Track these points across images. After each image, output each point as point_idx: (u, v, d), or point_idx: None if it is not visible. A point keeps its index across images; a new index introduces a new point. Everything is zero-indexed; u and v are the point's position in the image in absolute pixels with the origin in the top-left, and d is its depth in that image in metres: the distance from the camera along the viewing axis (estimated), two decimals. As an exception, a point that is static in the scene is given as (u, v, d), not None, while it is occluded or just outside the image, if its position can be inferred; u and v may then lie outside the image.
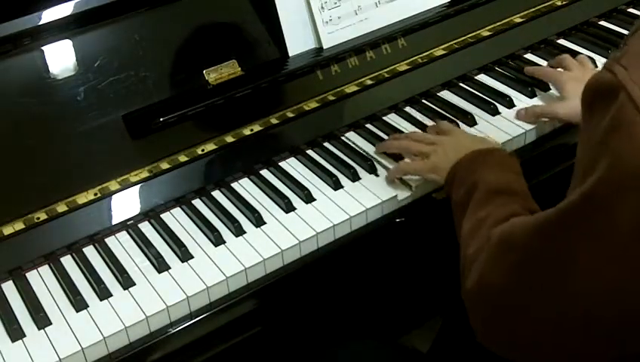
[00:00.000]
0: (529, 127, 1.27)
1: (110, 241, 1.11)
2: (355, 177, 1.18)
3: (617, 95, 0.66)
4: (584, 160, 0.71)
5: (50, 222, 1.09)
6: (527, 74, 1.37)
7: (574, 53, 1.45)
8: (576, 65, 1.32)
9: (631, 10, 1.59)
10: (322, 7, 1.27)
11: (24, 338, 0.97)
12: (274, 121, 1.24)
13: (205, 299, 1.02)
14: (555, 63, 1.37)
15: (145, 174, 1.15)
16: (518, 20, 1.48)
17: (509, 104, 1.33)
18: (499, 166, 1.01)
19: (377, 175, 1.19)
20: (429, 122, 1.29)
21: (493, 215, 0.90)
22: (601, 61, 1.43)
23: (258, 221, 1.11)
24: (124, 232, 1.12)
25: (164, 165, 1.16)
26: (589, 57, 1.43)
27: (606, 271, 0.68)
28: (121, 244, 1.10)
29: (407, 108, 1.34)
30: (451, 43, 1.40)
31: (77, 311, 1.00)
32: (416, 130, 1.28)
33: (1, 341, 0.97)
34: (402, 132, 1.27)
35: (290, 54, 1.26)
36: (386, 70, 1.33)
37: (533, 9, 1.49)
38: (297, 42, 1.27)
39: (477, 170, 1.01)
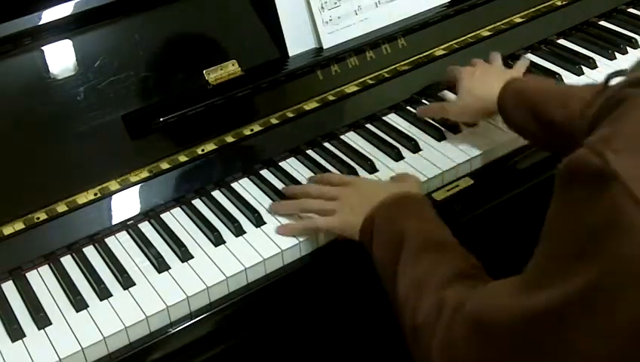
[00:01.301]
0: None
1: (110, 241, 1.11)
2: (355, 177, 1.18)
3: (608, 184, 0.60)
4: (569, 239, 0.65)
5: (50, 222, 1.09)
6: (445, 83, 1.33)
7: (574, 53, 1.46)
8: (480, 61, 1.29)
9: (631, 10, 1.59)
10: (322, 7, 1.27)
11: (24, 338, 0.97)
12: (274, 121, 1.24)
13: (205, 299, 1.02)
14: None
15: (145, 174, 1.15)
16: (518, 20, 1.48)
17: (509, 104, 1.33)
18: (418, 213, 0.96)
19: (377, 175, 1.19)
20: (429, 122, 1.29)
21: (435, 274, 0.85)
22: (601, 61, 1.43)
23: (258, 221, 1.11)
24: (124, 232, 1.12)
25: (164, 165, 1.16)
26: (589, 57, 1.43)
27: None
28: (121, 244, 1.10)
29: (408, 108, 1.34)
30: (451, 43, 1.40)
31: (77, 311, 1.00)
32: (418, 130, 1.28)
33: (1, 341, 0.97)
34: (402, 132, 1.27)
35: (290, 54, 1.26)
36: (386, 70, 1.33)
37: (533, 9, 1.49)
38: (297, 42, 1.27)
39: (396, 220, 0.94)
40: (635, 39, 1.49)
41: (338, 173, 1.19)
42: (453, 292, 0.81)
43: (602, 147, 0.61)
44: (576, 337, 0.64)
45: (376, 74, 1.33)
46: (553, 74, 1.39)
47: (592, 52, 1.46)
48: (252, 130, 1.22)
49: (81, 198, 1.10)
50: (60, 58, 1.11)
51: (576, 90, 1.10)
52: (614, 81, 0.70)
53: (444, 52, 1.39)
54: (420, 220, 0.94)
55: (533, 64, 1.44)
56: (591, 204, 0.61)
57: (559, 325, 0.65)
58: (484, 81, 1.21)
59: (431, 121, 1.29)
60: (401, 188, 1.04)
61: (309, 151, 1.25)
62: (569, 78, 1.39)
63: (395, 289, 0.88)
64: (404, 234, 0.91)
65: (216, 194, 1.18)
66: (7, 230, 1.06)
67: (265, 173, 1.21)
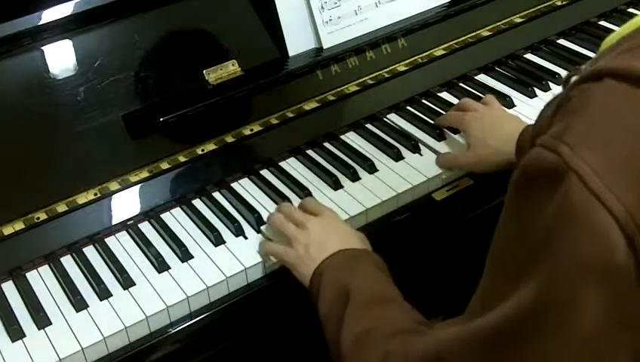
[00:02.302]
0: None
1: (110, 241, 1.11)
2: (354, 177, 1.18)
3: (563, 178, 0.57)
4: (518, 253, 0.62)
5: (50, 222, 1.08)
6: (437, 125, 1.27)
7: (574, 53, 1.46)
8: (480, 105, 1.24)
9: (631, 10, 1.60)
10: (322, 7, 1.27)
11: (24, 338, 0.97)
12: (274, 121, 1.24)
13: (205, 298, 1.02)
14: (459, 108, 1.27)
15: (145, 174, 1.15)
16: (518, 20, 1.48)
17: (509, 104, 1.33)
18: (365, 270, 0.94)
19: (377, 175, 1.19)
20: (429, 122, 1.29)
21: (379, 329, 0.84)
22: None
23: (258, 221, 1.11)
24: (124, 232, 1.12)
25: (164, 165, 1.16)
26: (589, 58, 1.43)
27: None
28: (121, 244, 1.10)
29: (408, 108, 1.34)
30: (451, 43, 1.40)
31: (77, 311, 1.00)
32: (417, 130, 1.28)
33: (1, 341, 0.97)
34: (401, 132, 1.27)
35: (290, 54, 1.26)
36: (386, 70, 1.33)
37: (533, 9, 1.49)
38: (297, 42, 1.27)
39: (344, 278, 0.93)
40: (635, 39, 1.49)
41: (313, 199, 1.13)
42: (398, 344, 0.79)
43: (556, 143, 0.59)
44: (540, 348, 0.61)
45: (376, 74, 1.33)
46: (554, 74, 1.39)
47: (593, 52, 1.46)
48: (252, 130, 1.22)
49: (81, 198, 1.10)
50: (60, 58, 1.11)
51: None
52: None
53: (444, 52, 1.39)
54: (366, 278, 0.93)
55: (533, 64, 1.44)
56: (545, 204, 0.59)
57: (520, 335, 0.62)
58: (498, 130, 1.16)
59: (431, 121, 1.29)
60: (352, 240, 1.01)
61: (309, 151, 1.25)
62: (569, 78, 1.39)
63: (339, 344, 0.87)
64: (350, 291, 0.90)
65: (216, 194, 1.18)
66: (7, 230, 1.06)
67: (265, 173, 1.21)
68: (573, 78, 0.66)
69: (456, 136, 1.25)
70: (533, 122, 1.14)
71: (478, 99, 1.34)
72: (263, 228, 1.10)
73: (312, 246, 0.99)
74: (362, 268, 0.95)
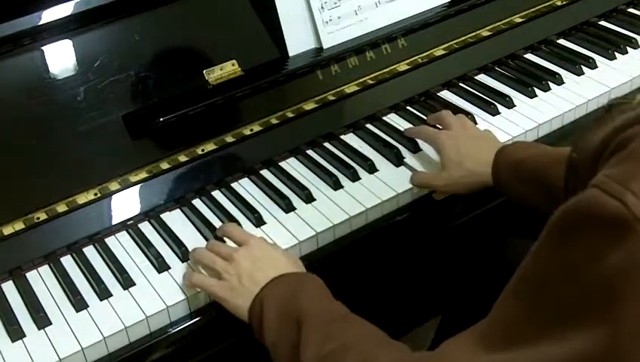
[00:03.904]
0: (530, 125, 1.27)
1: (110, 241, 1.11)
2: (355, 177, 1.18)
3: (630, 231, 0.54)
4: (564, 296, 0.59)
5: (50, 222, 1.08)
6: (408, 135, 1.25)
7: (574, 53, 1.46)
8: (455, 122, 1.20)
9: (631, 10, 1.60)
10: (322, 7, 1.27)
11: (24, 338, 0.97)
12: (274, 121, 1.24)
13: (206, 298, 1.02)
14: (434, 120, 1.25)
15: (145, 174, 1.15)
16: (518, 20, 1.48)
17: (510, 104, 1.33)
18: (312, 291, 0.91)
19: (377, 175, 1.19)
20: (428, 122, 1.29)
21: (351, 345, 0.79)
22: (601, 61, 1.43)
23: (258, 221, 1.11)
24: (124, 232, 1.12)
25: (164, 165, 1.16)
26: (589, 57, 1.43)
27: None
28: (121, 244, 1.10)
29: (408, 108, 1.34)
30: (451, 43, 1.40)
31: (77, 311, 1.00)
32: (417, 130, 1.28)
33: (1, 341, 0.97)
34: (402, 132, 1.27)
35: (290, 54, 1.26)
36: (386, 70, 1.33)
37: (533, 9, 1.49)
38: (297, 42, 1.27)
39: (290, 300, 0.89)
40: (635, 39, 1.49)
41: (243, 225, 1.11)
42: (384, 358, 0.76)
43: (621, 190, 0.54)
44: None
45: (376, 74, 1.33)
46: (554, 74, 1.39)
47: (592, 52, 1.46)
48: (252, 130, 1.22)
49: (81, 198, 1.10)
50: (60, 58, 1.11)
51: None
52: (619, 111, 0.64)
53: (444, 52, 1.39)
54: (313, 298, 0.89)
55: (533, 64, 1.44)
56: (604, 253, 0.55)
57: None
58: (472, 151, 1.13)
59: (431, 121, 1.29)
60: (284, 266, 0.97)
61: (309, 151, 1.25)
62: (569, 77, 1.39)
63: None
64: (302, 312, 0.86)
65: (216, 194, 1.18)
66: (7, 230, 1.06)
67: (265, 173, 1.21)
68: (622, 114, 0.61)
69: None
70: (507, 146, 1.12)
71: (478, 99, 1.34)
72: (187, 263, 1.06)
73: (244, 277, 0.95)
74: (305, 289, 0.91)
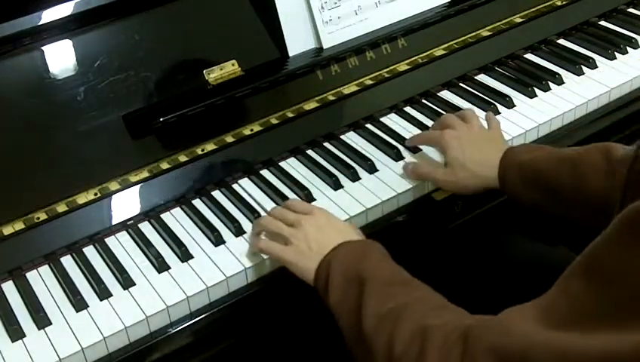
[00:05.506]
0: (530, 125, 1.27)
1: (110, 241, 1.11)
2: (355, 177, 1.18)
3: None
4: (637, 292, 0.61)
5: (50, 222, 1.08)
6: (410, 145, 1.24)
7: (574, 53, 1.46)
8: (459, 123, 1.18)
9: (631, 10, 1.60)
10: (322, 7, 1.27)
11: (24, 338, 0.97)
12: (274, 121, 1.24)
13: (205, 298, 1.02)
14: (438, 126, 1.22)
15: (145, 174, 1.15)
16: (518, 20, 1.48)
17: (509, 104, 1.33)
18: (377, 256, 0.95)
19: (377, 175, 1.19)
20: (429, 122, 1.29)
21: (409, 305, 0.83)
22: (601, 61, 1.43)
23: (258, 221, 1.11)
24: (124, 232, 1.12)
25: (164, 165, 1.16)
26: (589, 57, 1.43)
27: None
28: (121, 244, 1.10)
29: (407, 108, 1.34)
30: (451, 43, 1.40)
31: (77, 311, 1.00)
32: (418, 130, 1.28)
33: (1, 341, 0.97)
34: (401, 133, 1.27)
35: (290, 54, 1.26)
36: (386, 70, 1.33)
37: (533, 9, 1.49)
38: (297, 42, 1.27)
39: (356, 263, 0.93)
40: (635, 39, 1.49)
41: (299, 199, 1.14)
42: (439, 320, 0.79)
43: None
44: None
45: (376, 74, 1.33)
46: (554, 74, 1.39)
47: (592, 52, 1.46)
48: (252, 130, 1.22)
49: (81, 198, 1.10)
50: (60, 58, 1.11)
51: (582, 153, 1.05)
52: None
53: (444, 52, 1.39)
54: (378, 264, 0.93)
55: (533, 64, 1.44)
56: None
57: None
58: (477, 153, 1.12)
59: (431, 122, 1.29)
60: (349, 234, 1.01)
61: (309, 151, 1.25)
62: (569, 77, 1.39)
63: (360, 325, 0.86)
64: (365, 273, 0.90)
65: (216, 194, 1.18)
66: (7, 230, 1.06)
67: (265, 173, 1.21)
68: None
69: None
70: (514, 148, 1.12)
71: (478, 99, 1.34)
72: (247, 231, 1.08)
73: (313, 242, 0.99)
74: (369, 254, 0.95)
